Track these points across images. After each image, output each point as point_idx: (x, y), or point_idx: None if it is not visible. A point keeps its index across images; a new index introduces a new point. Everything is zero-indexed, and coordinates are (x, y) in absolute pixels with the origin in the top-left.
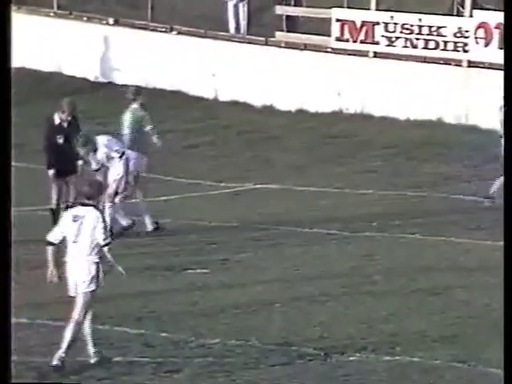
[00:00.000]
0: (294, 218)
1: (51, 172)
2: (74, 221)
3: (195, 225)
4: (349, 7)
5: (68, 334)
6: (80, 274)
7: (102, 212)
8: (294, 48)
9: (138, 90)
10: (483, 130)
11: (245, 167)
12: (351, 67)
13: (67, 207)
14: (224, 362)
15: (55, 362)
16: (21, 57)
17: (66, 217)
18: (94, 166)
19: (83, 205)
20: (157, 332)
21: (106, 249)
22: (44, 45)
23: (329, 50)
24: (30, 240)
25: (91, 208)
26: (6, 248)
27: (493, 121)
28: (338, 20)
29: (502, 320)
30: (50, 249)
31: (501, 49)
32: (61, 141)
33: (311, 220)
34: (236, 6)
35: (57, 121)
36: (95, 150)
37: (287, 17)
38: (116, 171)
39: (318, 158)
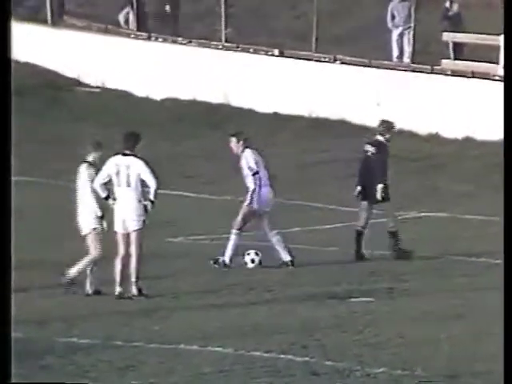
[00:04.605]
0: (461, 247)
1: (358, 190)
2: None
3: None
4: None
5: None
6: None
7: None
8: (460, 76)
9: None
10: None
11: (410, 195)
12: None
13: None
14: None
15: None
16: (192, 89)
17: None
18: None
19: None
20: (322, 360)
21: None
22: (213, 76)
23: (496, 77)
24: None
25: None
26: (7, 248)
27: None
28: None
29: None
30: None
31: None
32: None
33: (479, 249)
34: (401, 34)
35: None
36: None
37: (455, 44)
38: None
39: (486, 186)
